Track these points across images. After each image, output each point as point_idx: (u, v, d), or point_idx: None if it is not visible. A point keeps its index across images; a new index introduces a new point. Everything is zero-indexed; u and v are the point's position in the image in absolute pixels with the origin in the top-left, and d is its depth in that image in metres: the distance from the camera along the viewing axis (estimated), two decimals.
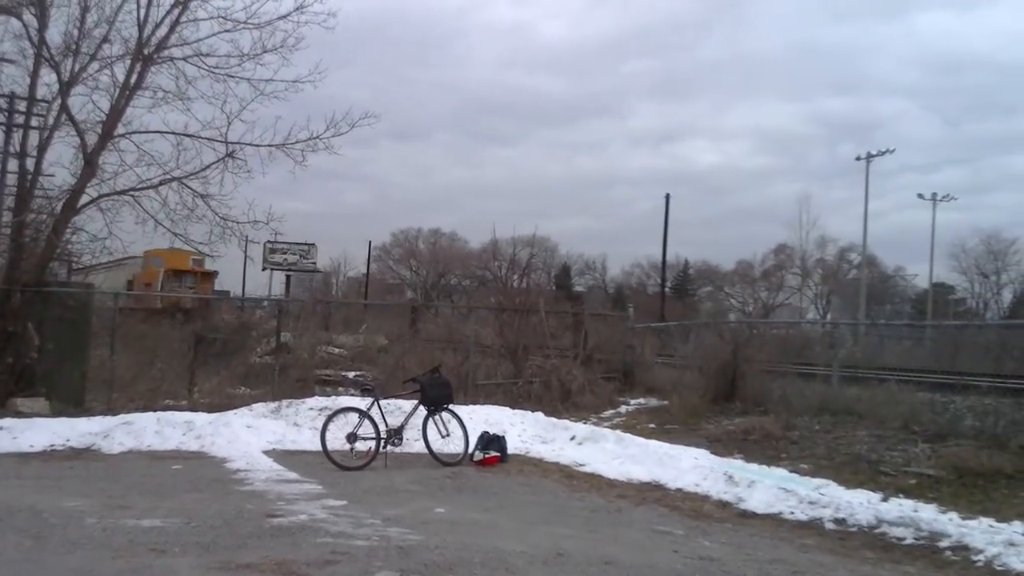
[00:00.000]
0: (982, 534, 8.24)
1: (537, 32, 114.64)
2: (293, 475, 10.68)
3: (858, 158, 55.42)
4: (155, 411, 13.95)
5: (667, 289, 64.14)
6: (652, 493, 10.45)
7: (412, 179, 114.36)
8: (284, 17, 16.49)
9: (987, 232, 67.97)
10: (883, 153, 55.03)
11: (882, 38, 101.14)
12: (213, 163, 16.91)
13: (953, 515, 8.97)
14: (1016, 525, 8.53)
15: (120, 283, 41.95)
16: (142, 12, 16.45)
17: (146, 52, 16.48)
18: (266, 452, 12.29)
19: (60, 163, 16.99)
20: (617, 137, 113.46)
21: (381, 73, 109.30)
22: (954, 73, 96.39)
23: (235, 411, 14.30)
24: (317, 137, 16.96)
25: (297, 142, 16.97)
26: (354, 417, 11.72)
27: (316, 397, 15.28)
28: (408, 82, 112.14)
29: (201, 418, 13.49)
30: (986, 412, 12.90)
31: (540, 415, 14.85)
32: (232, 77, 16.69)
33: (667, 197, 53.07)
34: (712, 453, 12.18)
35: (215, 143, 16.88)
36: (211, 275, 48.49)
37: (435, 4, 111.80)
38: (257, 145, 16.90)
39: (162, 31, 16.58)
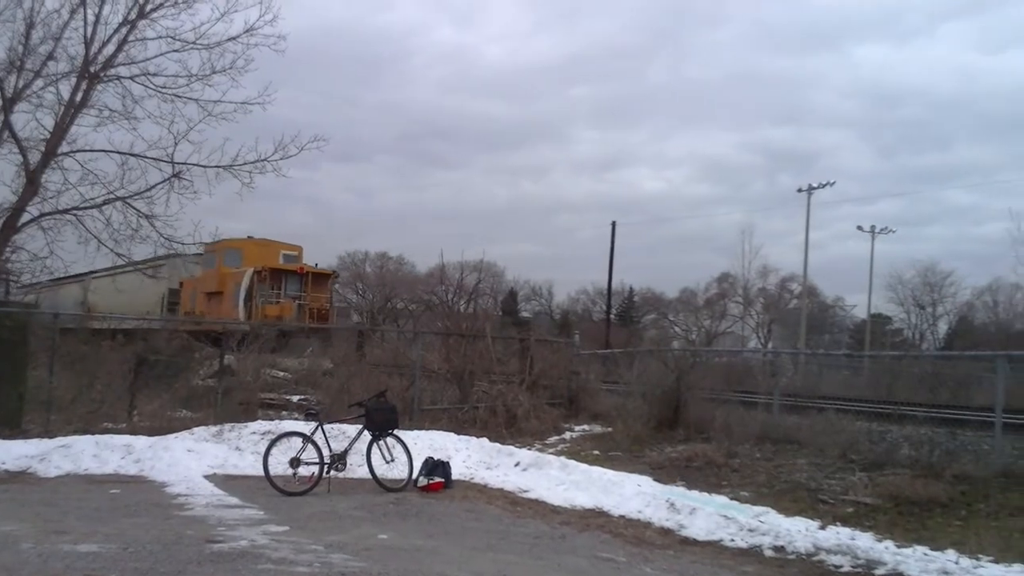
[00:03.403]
0: (917, 562, 8.41)
1: (480, 56, 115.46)
2: (234, 500, 10.58)
3: (800, 190, 56.53)
4: (94, 434, 13.72)
5: (612, 316, 64.56)
6: (596, 520, 10.49)
7: (356, 201, 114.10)
8: (234, 39, 16.52)
9: (924, 264, 69.51)
10: (824, 186, 56.12)
11: (821, 70, 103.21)
12: (159, 183, 16.84)
13: (889, 543, 9.14)
14: (950, 553, 8.72)
15: (155, 292, 37.63)
16: (89, 30, 16.38)
17: (92, 70, 16.36)
18: (207, 477, 12.14)
19: (1, 181, 16.80)
20: (560, 162, 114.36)
21: (323, 94, 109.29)
22: (891, 105, 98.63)
23: (176, 435, 14.10)
24: (265, 159, 16.97)
25: (245, 163, 16.96)
26: (297, 442, 11.64)
27: (259, 421, 15.14)
28: (351, 104, 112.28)
29: (141, 441, 13.29)
30: (922, 442, 13.13)
31: (485, 441, 14.85)
32: (180, 97, 16.66)
33: (613, 225, 53.70)
34: (655, 480, 12.27)
35: (161, 163, 16.80)
36: (328, 277, 37.67)
37: (378, 26, 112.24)
38: (204, 166, 16.85)
39: (109, 49, 16.52)
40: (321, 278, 36.79)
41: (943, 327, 69.62)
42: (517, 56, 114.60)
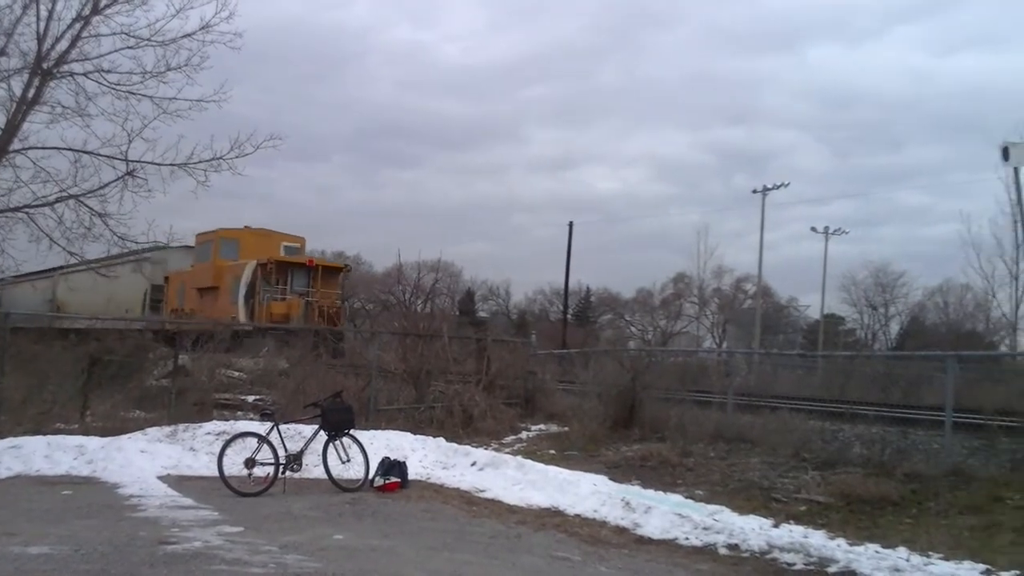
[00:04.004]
0: (869, 560, 8.53)
1: (436, 55, 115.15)
2: (188, 501, 10.49)
3: (754, 191, 56.90)
4: (45, 435, 13.52)
5: (569, 316, 64.71)
6: (551, 519, 10.52)
7: (312, 200, 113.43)
8: (189, 36, 16.38)
9: (876, 265, 70.40)
10: (778, 187, 56.52)
11: (774, 71, 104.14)
12: (112, 181, 16.66)
13: (841, 541, 9.26)
14: (901, 551, 8.85)
15: (136, 289, 35.00)
16: (42, 25, 16.17)
17: (45, 66, 16.16)
18: (161, 478, 12.03)
19: None
20: (517, 162, 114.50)
21: (280, 92, 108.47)
22: (844, 107, 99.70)
23: (129, 435, 13.95)
24: (220, 157, 16.85)
25: (200, 162, 16.82)
26: (253, 442, 11.58)
27: (214, 421, 15.02)
28: (307, 101, 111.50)
29: (93, 442, 13.12)
30: (873, 440, 13.32)
31: (442, 440, 14.84)
32: (134, 94, 16.48)
33: (570, 225, 53.91)
34: (611, 479, 12.32)
35: (115, 161, 16.61)
36: (340, 271, 34.50)
37: (335, 24, 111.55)
38: (159, 164, 16.69)
39: (62, 45, 16.32)
40: (331, 272, 33.60)
41: (895, 327, 70.64)
42: (473, 55, 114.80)
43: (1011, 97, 78.67)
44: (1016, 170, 13.51)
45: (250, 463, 11.28)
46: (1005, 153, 12.69)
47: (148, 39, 16.34)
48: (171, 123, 16.70)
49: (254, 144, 16.94)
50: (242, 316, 30.41)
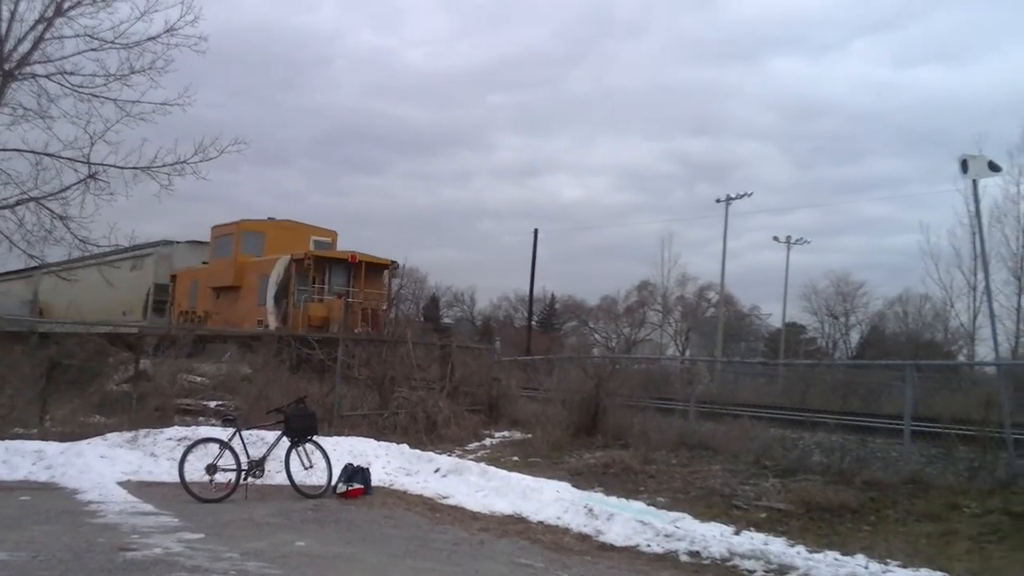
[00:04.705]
0: (828, 567, 8.63)
1: (401, 60, 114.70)
2: (149, 507, 10.41)
3: (718, 200, 57.39)
4: (3, 439, 13.36)
5: (534, 323, 64.85)
6: (514, 526, 10.55)
7: (276, 205, 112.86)
8: (154, 39, 16.25)
9: (837, 275, 71.07)
10: (741, 196, 57.03)
11: (739, 82, 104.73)
12: (74, 184, 16.48)
13: (801, 548, 9.37)
14: (859, 558, 8.97)
15: (137, 289, 32.78)
16: (3, 26, 16.01)
17: (6, 68, 15.99)
18: (121, 483, 11.92)
19: None
20: (482, 169, 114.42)
21: (245, 96, 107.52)
22: (806, 118, 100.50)
23: (89, 441, 13.83)
24: (184, 161, 16.70)
25: (163, 165, 16.69)
26: (214, 448, 11.52)
27: (175, 427, 14.90)
28: (272, 106, 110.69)
29: (52, 447, 13.01)
30: (833, 448, 13.47)
31: (405, 447, 14.83)
32: (97, 97, 16.32)
33: (535, 232, 53.94)
34: (574, 486, 12.36)
35: (77, 164, 16.44)
36: (385, 268, 29.55)
37: (299, 28, 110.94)
38: (121, 167, 16.53)
39: (25, 47, 16.14)
40: (375, 269, 29.15)
41: (855, 336, 71.37)
42: (439, 61, 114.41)
43: (970, 110, 79.90)
44: (974, 183, 13.68)
45: (212, 469, 11.23)
46: (964, 166, 12.85)
47: (112, 42, 16.21)
48: (134, 126, 16.57)
49: (218, 148, 16.83)
50: (272, 321, 27.08)
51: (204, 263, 32.23)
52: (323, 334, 22.67)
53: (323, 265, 27.83)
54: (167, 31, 16.26)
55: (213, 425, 15.14)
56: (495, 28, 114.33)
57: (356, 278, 28.20)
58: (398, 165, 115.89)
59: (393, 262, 29.54)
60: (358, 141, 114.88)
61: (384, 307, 29.23)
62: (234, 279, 29.64)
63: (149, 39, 16.25)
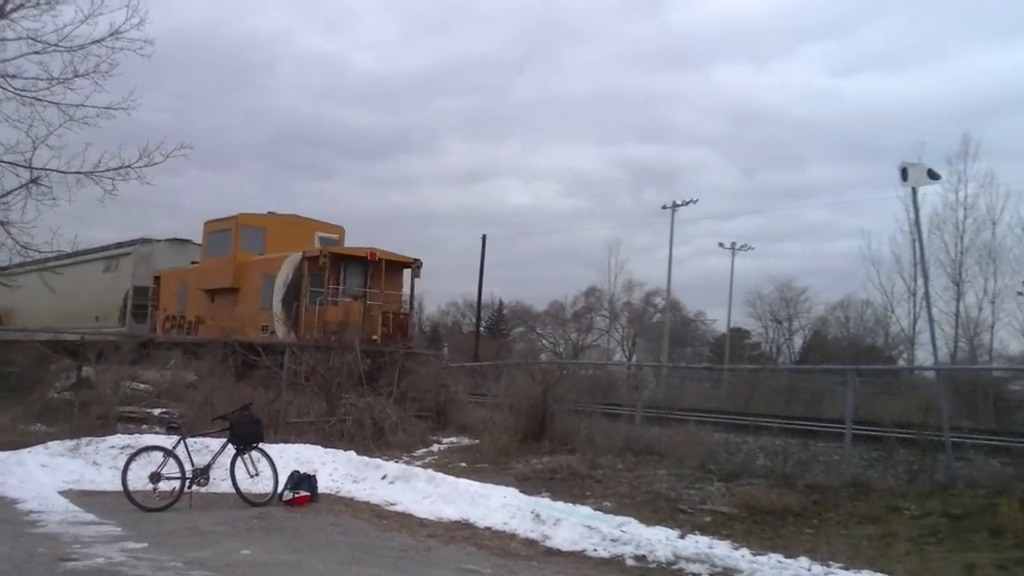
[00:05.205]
0: (771, 569, 8.76)
1: (349, 64, 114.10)
2: (91, 516, 10.28)
3: (664, 207, 57.99)
4: None
5: (482, 328, 64.84)
6: (462, 532, 10.56)
7: (222, 210, 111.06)
8: (98, 42, 16.02)
9: (780, 280, 71.94)
10: (687, 203, 57.74)
11: (684, 88, 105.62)
12: (15, 189, 16.22)
13: (745, 551, 9.49)
14: (802, 560, 9.09)
15: (114, 292, 30.88)
16: None
17: None
18: (62, 492, 11.75)
19: None
20: (430, 173, 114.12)
21: (191, 100, 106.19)
22: (751, 125, 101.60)
23: (29, 449, 13.63)
24: (129, 166, 16.47)
25: (107, 170, 16.45)
26: (158, 456, 11.41)
27: (118, 435, 14.75)
28: (218, 110, 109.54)
29: None
30: (776, 452, 13.66)
31: (352, 454, 14.78)
32: (40, 100, 16.07)
33: (483, 238, 53.95)
34: (521, 491, 12.39)
35: (18, 168, 16.18)
36: (408, 267, 26.82)
37: (246, 31, 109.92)
38: (65, 172, 16.29)
39: None
40: (396, 269, 26.61)
41: (798, 341, 72.26)
42: (386, 66, 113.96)
43: (910, 118, 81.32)
44: (914, 190, 13.95)
45: (155, 477, 11.12)
46: (904, 174, 13.09)
47: (55, 45, 15.97)
48: (78, 130, 16.33)
49: (163, 153, 16.62)
50: (280, 327, 24.90)
51: (194, 263, 30.05)
52: (333, 342, 21.32)
53: (338, 263, 25.45)
54: (112, 34, 16.05)
55: (157, 433, 15.00)
56: (442, 33, 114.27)
57: (374, 278, 25.78)
58: (346, 169, 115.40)
59: (416, 260, 26.99)
60: (306, 145, 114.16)
61: (406, 311, 27.12)
62: (233, 280, 27.18)
63: (93, 42, 16.03)
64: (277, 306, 25.29)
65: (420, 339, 45.56)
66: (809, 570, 8.77)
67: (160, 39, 16.44)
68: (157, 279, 30.70)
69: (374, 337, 23.85)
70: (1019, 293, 41.08)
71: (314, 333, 23.33)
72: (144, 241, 32.18)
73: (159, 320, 30.33)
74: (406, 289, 27.52)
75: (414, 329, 26.33)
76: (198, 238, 30.32)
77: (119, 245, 30.39)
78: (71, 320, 28.02)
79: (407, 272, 27.07)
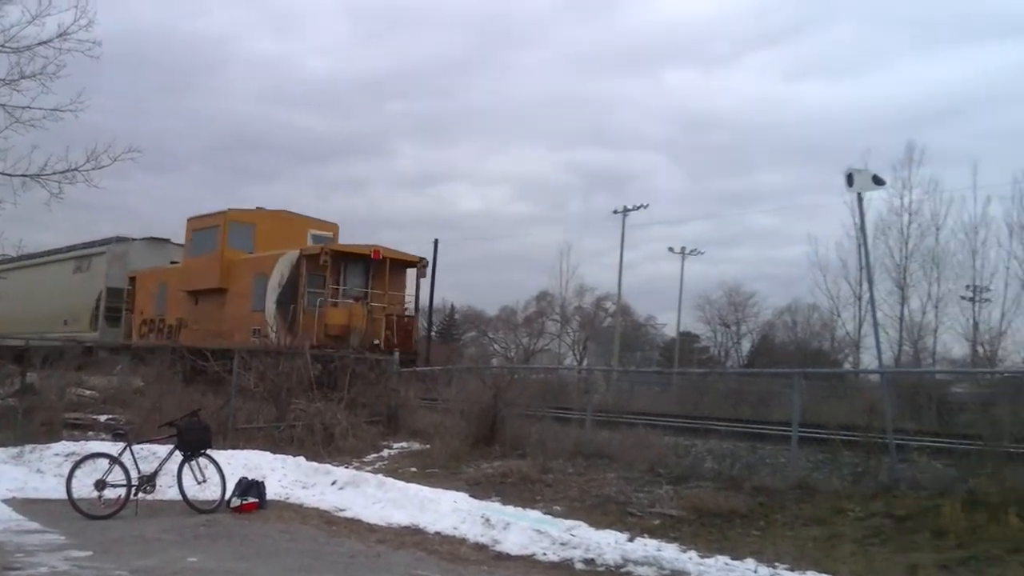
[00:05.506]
0: (719, 571, 8.86)
1: (299, 67, 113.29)
2: (35, 525, 10.13)
3: (615, 212, 58.36)
4: None
5: (434, 333, 64.72)
6: (412, 537, 10.55)
7: (169, 214, 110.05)
8: (45, 43, 15.85)
9: (729, 285, 72.71)
10: (638, 208, 58.14)
11: (635, 94, 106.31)
12: None
13: (693, 554, 9.57)
14: (749, 562, 9.20)
15: (86, 293, 29.10)
16: None
17: None
18: (5, 501, 11.54)
19: None
20: (381, 178, 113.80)
21: (139, 102, 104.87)
22: (700, 130, 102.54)
23: None
24: (75, 169, 16.33)
25: (54, 173, 16.28)
26: (104, 463, 11.28)
27: (63, 442, 14.56)
28: (167, 113, 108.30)
29: None
30: (724, 455, 13.79)
31: (302, 460, 14.69)
32: None
33: (435, 242, 53.68)
34: (471, 496, 12.40)
35: None
36: (413, 266, 25.84)
37: (194, 32, 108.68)
38: (10, 175, 16.10)
39: None
40: (399, 268, 25.19)
41: (746, 345, 73.11)
42: (336, 69, 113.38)
43: (857, 125, 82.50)
44: (859, 196, 14.17)
45: (100, 485, 11.00)
46: (849, 179, 13.27)
47: (2, 45, 15.80)
48: (24, 132, 16.16)
49: (111, 156, 16.47)
50: (273, 330, 23.02)
51: (173, 263, 28.64)
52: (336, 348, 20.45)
53: (339, 262, 24.03)
54: (60, 35, 15.88)
55: (103, 440, 14.79)
56: (394, 37, 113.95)
57: (375, 278, 24.46)
58: (296, 173, 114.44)
59: (422, 259, 25.90)
60: (255, 148, 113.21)
61: (411, 314, 25.84)
62: (221, 280, 25.50)
63: (40, 43, 15.86)
64: (271, 308, 24.03)
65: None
66: (756, 572, 8.88)
67: (108, 40, 16.29)
68: (133, 280, 29.33)
69: (376, 342, 22.97)
70: (962, 297, 41.81)
71: (314, 338, 22.18)
72: (119, 240, 30.71)
73: (135, 324, 29.05)
74: (409, 290, 26.61)
75: (419, 334, 24.35)
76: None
77: (91, 244, 29.23)
78: (37, 325, 26.89)
79: (410, 272, 26.08)
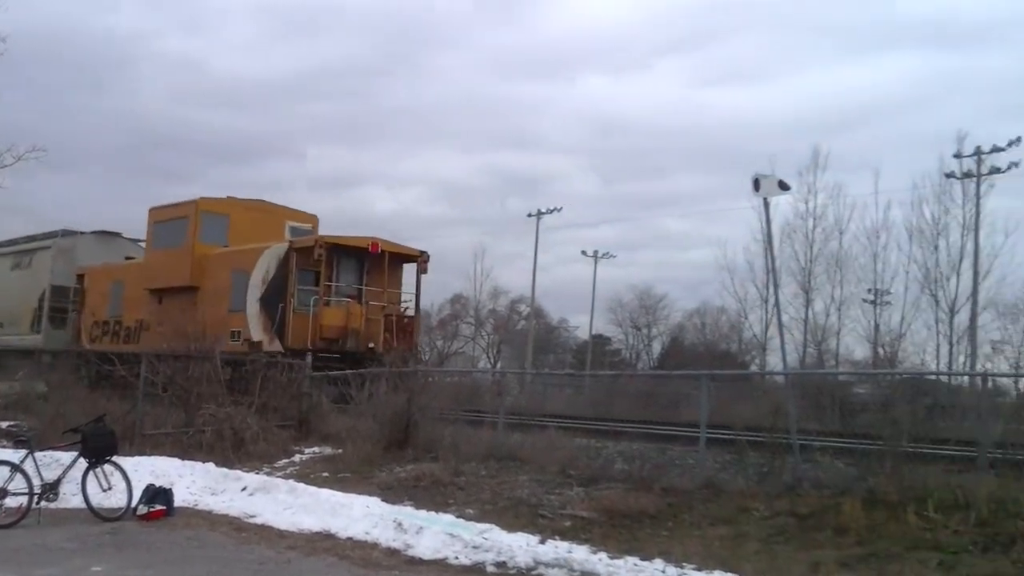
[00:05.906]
0: (628, 572, 8.97)
1: (212, 66, 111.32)
2: None
3: (529, 215, 58.74)
4: None
5: None
6: (323, 543, 10.49)
7: (77, 215, 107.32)
8: None
9: (640, 288, 73.61)
10: (552, 211, 58.66)
11: (550, 97, 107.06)
12: None
13: (603, 555, 9.66)
14: (657, 562, 9.32)
15: (28, 292, 26.70)
16: None
17: None
18: None
19: None
20: (297, 178, 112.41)
21: (46, 99, 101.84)
22: (613, 135, 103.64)
23: None
24: None
25: None
26: (5, 471, 11.02)
27: None
28: (75, 110, 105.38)
29: None
30: (634, 457, 13.97)
31: (211, 466, 14.49)
32: None
33: None
34: (384, 500, 12.35)
35: None
36: (412, 261, 24.12)
37: (104, 29, 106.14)
38: None
39: None
40: (396, 263, 23.49)
41: (657, 347, 74.04)
42: (252, 68, 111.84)
43: (765, 130, 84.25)
44: (766, 200, 14.47)
45: (1, 493, 10.77)
46: (756, 184, 13.55)
47: None
48: None
49: (15, 155, 16.10)
50: (258, 332, 21.58)
51: (129, 258, 26.82)
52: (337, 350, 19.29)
53: (333, 256, 22.22)
54: None
55: (4, 447, 14.42)
56: (310, 37, 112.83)
57: (372, 274, 22.86)
58: (208, 174, 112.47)
59: (423, 253, 23.95)
60: (167, 148, 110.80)
61: (411, 313, 24.08)
62: (191, 277, 23.54)
63: None
64: (253, 308, 22.27)
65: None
66: (664, 572, 9.01)
67: (14, 36, 15.84)
68: (82, 278, 27.24)
69: (371, 345, 21.71)
70: (864, 300, 42.95)
71: (308, 340, 20.92)
72: (66, 233, 28.41)
73: (84, 326, 27.01)
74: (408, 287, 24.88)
75: (419, 335, 22.44)
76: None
77: (33, 238, 27.02)
78: None
79: (408, 267, 24.38)
